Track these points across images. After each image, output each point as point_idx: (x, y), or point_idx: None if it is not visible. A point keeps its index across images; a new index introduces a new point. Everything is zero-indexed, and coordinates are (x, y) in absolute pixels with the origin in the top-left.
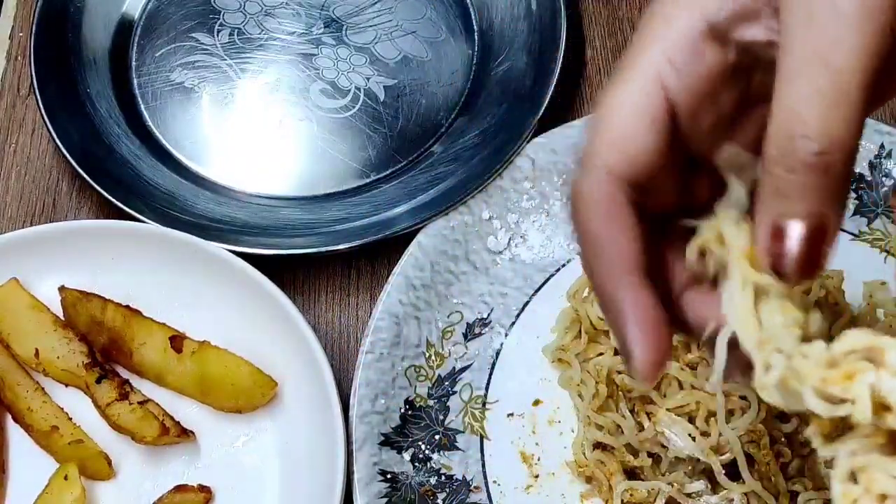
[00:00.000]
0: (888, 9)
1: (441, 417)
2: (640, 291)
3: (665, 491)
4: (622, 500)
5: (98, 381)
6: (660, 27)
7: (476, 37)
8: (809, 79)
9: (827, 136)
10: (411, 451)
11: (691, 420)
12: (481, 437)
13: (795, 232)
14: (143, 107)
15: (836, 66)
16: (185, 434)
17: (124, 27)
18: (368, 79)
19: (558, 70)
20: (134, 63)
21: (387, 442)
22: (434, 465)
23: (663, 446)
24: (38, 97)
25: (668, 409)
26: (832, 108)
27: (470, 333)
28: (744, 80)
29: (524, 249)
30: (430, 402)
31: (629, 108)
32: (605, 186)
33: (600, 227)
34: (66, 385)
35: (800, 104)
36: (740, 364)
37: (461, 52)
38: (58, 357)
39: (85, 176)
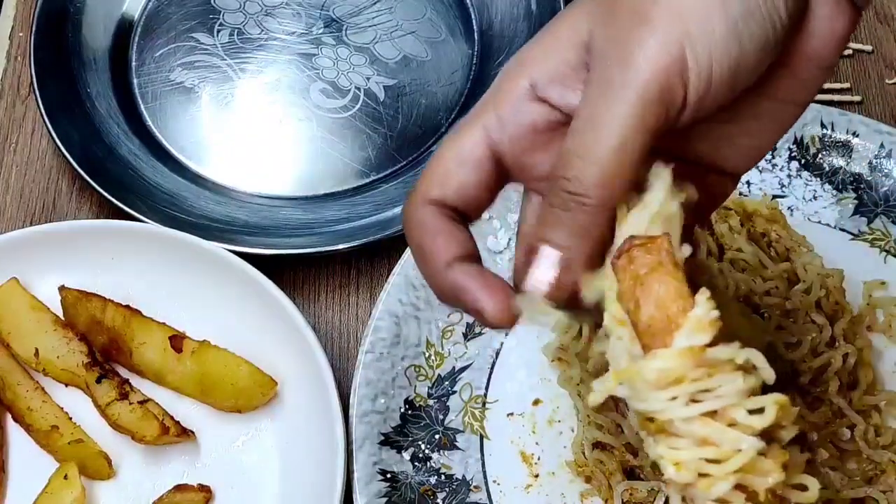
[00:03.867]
0: (654, 100)
1: (441, 417)
2: (469, 271)
3: (665, 490)
4: (622, 500)
5: (98, 381)
6: (495, 89)
7: (476, 37)
8: (582, 135)
9: (582, 182)
10: (411, 450)
11: None
12: (481, 437)
13: (543, 255)
14: (143, 107)
15: (603, 129)
16: (185, 434)
17: (124, 27)
18: (368, 79)
19: None
20: (134, 63)
21: (387, 441)
22: (434, 465)
23: None
24: (38, 97)
25: None
26: (592, 162)
27: (470, 333)
28: None
29: None
30: (430, 402)
31: (453, 153)
32: (423, 211)
33: (422, 240)
34: (66, 385)
35: (570, 152)
36: None
37: (461, 52)
38: (58, 357)
39: (85, 176)
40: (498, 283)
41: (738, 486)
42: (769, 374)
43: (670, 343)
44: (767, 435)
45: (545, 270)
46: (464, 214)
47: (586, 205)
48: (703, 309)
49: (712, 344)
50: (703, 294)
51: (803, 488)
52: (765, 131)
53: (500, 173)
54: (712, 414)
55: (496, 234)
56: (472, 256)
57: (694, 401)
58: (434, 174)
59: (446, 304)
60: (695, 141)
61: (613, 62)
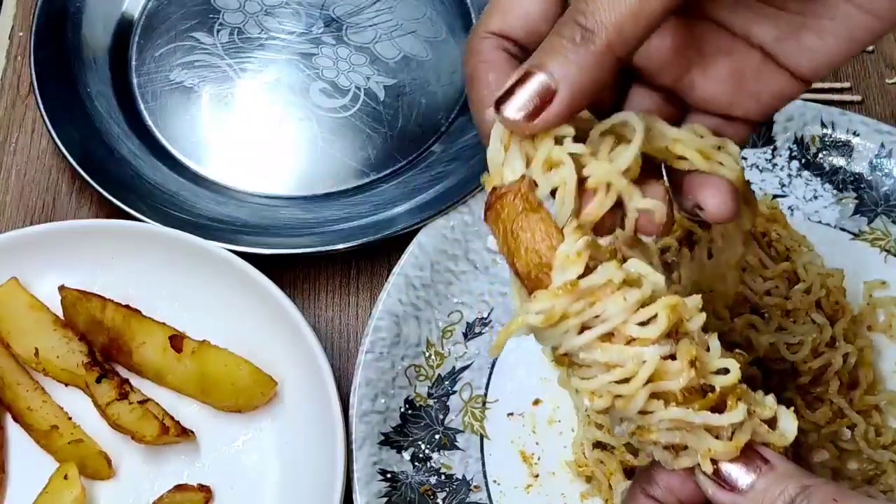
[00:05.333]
0: None
1: (441, 417)
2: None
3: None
4: (622, 500)
5: (98, 381)
6: None
7: None
8: None
9: (597, 18)
10: (411, 450)
11: None
12: (481, 437)
13: (532, 82)
14: (143, 107)
15: None
16: (184, 434)
17: (124, 27)
18: (368, 78)
19: None
20: (134, 63)
21: (387, 441)
22: (434, 465)
23: None
24: (38, 97)
25: None
26: (621, 8)
27: (470, 333)
28: None
29: None
30: (430, 402)
31: None
32: (484, 42)
33: (476, 69)
34: (66, 385)
35: None
36: None
37: (461, 52)
38: (58, 357)
39: (85, 176)
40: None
41: (655, 395)
42: (657, 278)
43: (549, 283)
44: (674, 336)
45: (529, 96)
46: (526, 49)
47: (594, 43)
48: (569, 243)
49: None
50: (570, 226)
51: (725, 372)
52: (834, 36)
53: (563, 5)
54: (610, 337)
55: None
56: None
57: (587, 328)
58: (498, 5)
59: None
60: (757, 22)
61: None
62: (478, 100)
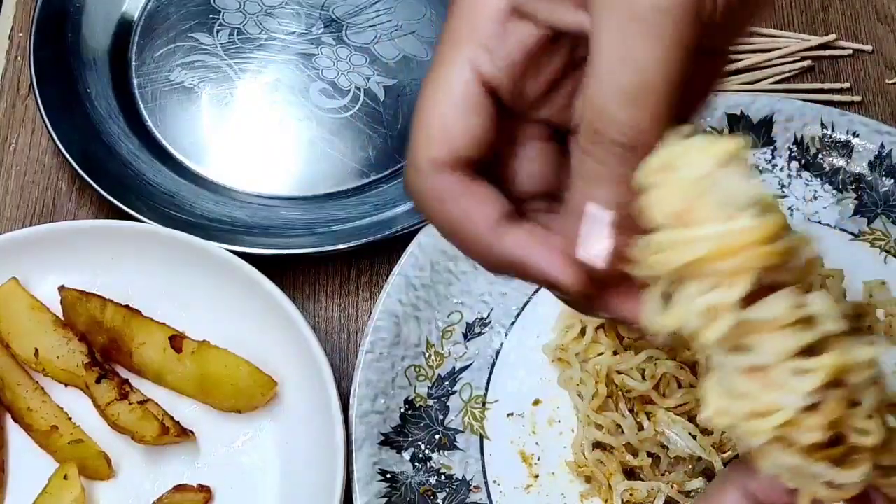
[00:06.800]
0: (684, 21)
1: (441, 417)
2: (523, 235)
3: (664, 491)
4: (622, 500)
5: (98, 381)
6: (466, 15)
7: None
8: (619, 76)
9: (634, 129)
10: (411, 450)
11: (691, 419)
12: (481, 437)
13: (605, 218)
14: (142, 107)
15: (640, 65)
16: (184, 434)
17: (124, 27)
18: (368, 79)
19: None
20: (134, 63)
21: (386, 442)
22: (434, 465)
23: (663, 446)
24: (38, 97)
25: (667, 409)
26: (640, 108)
27: (470, 333)
28: (567, 43)
29: None
30: (430, 402)
31: (446, 101)
32: (439, 178)
33: (450, 213)
34: (66, 385)
35: (607, 101)
36: None
37: None
38: (58, 357)
39: (85, 176)
40: (557, 241)
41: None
42: (835, 325)
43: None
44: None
45: (600, 236)
46: (479, 163)
47: (640, 153)
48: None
49: None
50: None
51: (864, 433)
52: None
53: (500, 108)
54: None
55: None
56: (513, 212)
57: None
58: (432, 132)
59: (498, 275)
60: None
61: None
62: (472, 236)
